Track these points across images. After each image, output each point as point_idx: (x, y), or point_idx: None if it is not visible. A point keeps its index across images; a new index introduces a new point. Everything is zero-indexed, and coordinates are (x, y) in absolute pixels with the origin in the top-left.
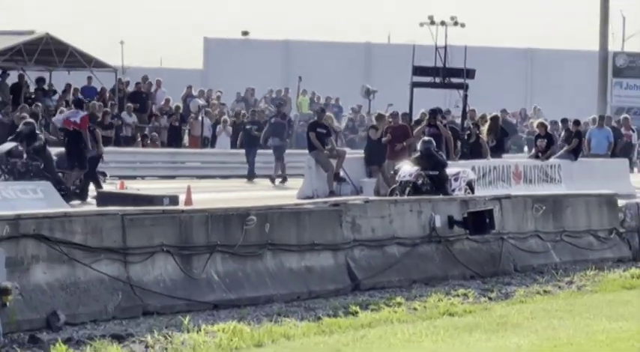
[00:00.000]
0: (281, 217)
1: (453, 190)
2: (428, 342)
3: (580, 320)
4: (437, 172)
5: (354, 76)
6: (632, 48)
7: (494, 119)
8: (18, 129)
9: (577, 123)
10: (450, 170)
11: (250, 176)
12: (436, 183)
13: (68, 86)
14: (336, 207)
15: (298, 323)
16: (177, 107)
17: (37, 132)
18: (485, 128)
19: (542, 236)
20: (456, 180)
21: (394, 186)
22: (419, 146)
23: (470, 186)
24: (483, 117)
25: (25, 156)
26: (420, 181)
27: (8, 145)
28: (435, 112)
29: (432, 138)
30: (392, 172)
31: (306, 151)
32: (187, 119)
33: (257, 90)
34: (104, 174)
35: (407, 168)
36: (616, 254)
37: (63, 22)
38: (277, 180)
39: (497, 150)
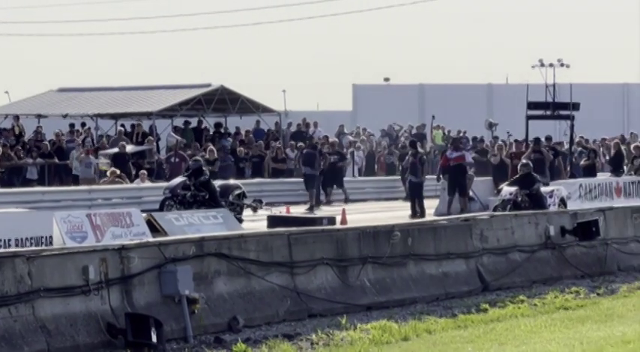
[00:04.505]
0: (421, 232)
1: (549, 205)
2: (547, 333)
3: None
4: (534, 191)
5: (478, 112)
6: None
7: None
8: (188, 165)
9: None
10: (545, 188)
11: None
12: (533, 199)
13: (241, 129)
14: (466, 222)
15: (438, 319)
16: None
17: (204, 168)
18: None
19: None
20: (550, 196)
21: (497, 203)
22: (518, 169)
23: (562, 201)
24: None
25: (192, 188)
26: (519, 199)
27: (178, 180)
28: (538, 140)
29: (529, 162)
30: (495, 191)
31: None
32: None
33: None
34: (260, 202)
35: (508, 188)
36: None
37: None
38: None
39: None
